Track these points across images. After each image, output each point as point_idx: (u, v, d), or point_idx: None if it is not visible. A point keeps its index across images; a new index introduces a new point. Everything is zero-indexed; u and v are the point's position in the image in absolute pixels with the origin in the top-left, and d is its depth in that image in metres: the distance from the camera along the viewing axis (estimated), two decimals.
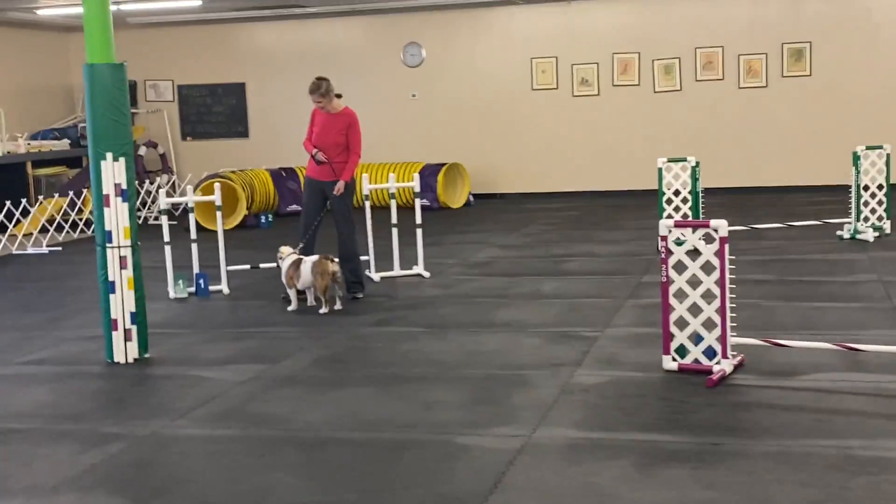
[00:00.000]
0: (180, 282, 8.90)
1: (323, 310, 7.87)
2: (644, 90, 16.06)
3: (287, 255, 8.13)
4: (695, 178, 10.32)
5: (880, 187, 10.53)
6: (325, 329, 7.30)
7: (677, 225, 5.66)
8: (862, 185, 10.38)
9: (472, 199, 16.20)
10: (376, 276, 9.29)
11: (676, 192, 10.52)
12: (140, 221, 13.32)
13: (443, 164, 15.57)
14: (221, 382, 5.93)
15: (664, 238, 5.58)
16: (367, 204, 9.50)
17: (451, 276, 9.39)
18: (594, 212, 14.24)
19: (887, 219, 10.51)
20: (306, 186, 8.64)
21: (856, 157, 10.35)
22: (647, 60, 15.99)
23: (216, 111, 17.92)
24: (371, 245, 9.45)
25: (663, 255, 5.59)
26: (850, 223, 10.47)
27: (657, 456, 4.37)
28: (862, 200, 10.39)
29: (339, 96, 8.42)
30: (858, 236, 10.29)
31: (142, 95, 17.74)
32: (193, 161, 17.75)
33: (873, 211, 10.58)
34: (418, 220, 9.52)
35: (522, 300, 8.05)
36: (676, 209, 10.50)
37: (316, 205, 8.49)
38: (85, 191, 13.42)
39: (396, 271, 9.42)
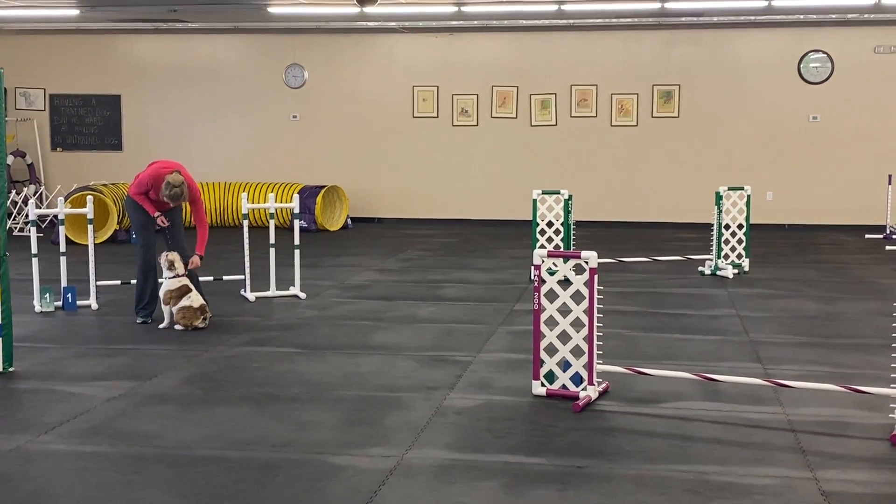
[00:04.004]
0: (47, 295, 8.65)
1: (164, 324, 7.92)
2: (521, 123, 16.46)
3: (177, 273, 7.92)
4: (567, 211, 10.63)
5: (740, 227, 11.03)
6: (197, 348, 7.22)
7: (550, 255, 5.83)
8: (723, 224, 10.87)
9: (349, 222, 16.26)
10: (252, 296, 9.24)
11: (550, 224, 10.84)
12: None
13: (322, 187, 15.58)
14: (90, 398, 5.82)
15: (537, 267, 5.76)
16: (246, 223, 9.45)
17: (328, 297, 9.41)
18: (470, 239, 14.47)
19: (746, 257, 11.02)
20: (143, 215, 8.20)
21: (718, 197, 10.83)
22: (524, 94, 16.40)
23: (89, 122, 17.47)
24: (247, 265, 9.40)
25: (536, 284, 5.77)
26: (711, 260, 10.94)
27: (525, 477, 4.51)
28: (723, 238, 10.88)
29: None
30: (719, 272, 10.75)
31: (11, 103, 17.18)
32: (63, 172, 17.26)
33: (733, 249, 11.08)
34: (296, 240, 9.53)
35: (398, 324, 8.14)
36: (549, 240, 10.79)
37: (154, 228, 8.26)
38: None
39: (272, 292, 9.38)
